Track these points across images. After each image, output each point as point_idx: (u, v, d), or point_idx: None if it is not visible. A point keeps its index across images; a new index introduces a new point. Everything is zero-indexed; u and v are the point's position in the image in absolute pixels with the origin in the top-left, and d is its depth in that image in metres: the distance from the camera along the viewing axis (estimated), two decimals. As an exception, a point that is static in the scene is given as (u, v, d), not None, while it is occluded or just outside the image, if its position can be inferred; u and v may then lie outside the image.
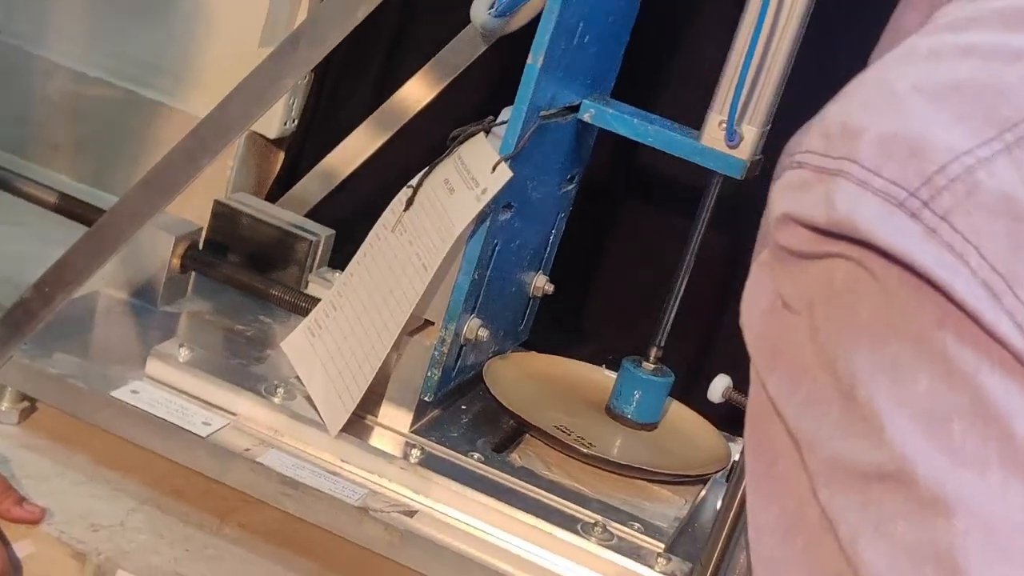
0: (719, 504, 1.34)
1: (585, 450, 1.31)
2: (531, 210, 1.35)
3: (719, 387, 1.41)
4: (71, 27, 1.84)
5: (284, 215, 1.57)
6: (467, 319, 1.29)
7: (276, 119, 1.73)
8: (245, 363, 1.34)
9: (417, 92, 1.63)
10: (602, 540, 1.20)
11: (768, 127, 1.28)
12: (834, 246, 0.64)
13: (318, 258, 1.55)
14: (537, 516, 1.21)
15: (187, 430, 1.23)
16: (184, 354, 1.28)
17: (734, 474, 1.13)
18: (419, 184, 1.28)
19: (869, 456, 0.66)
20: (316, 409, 1.26)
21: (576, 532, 1.20)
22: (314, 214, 1.66)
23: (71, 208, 1.49)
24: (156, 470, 1.25)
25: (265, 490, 1.21)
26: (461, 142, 1.27)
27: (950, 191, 0.60)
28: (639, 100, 1.37)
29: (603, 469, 1.32)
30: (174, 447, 1.23)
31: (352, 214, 1.66)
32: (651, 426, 1.39)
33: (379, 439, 1.27)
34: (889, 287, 0.63)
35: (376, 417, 1.29)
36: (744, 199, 1.33)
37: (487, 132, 1.27)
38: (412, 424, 1.29)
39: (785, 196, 0.66)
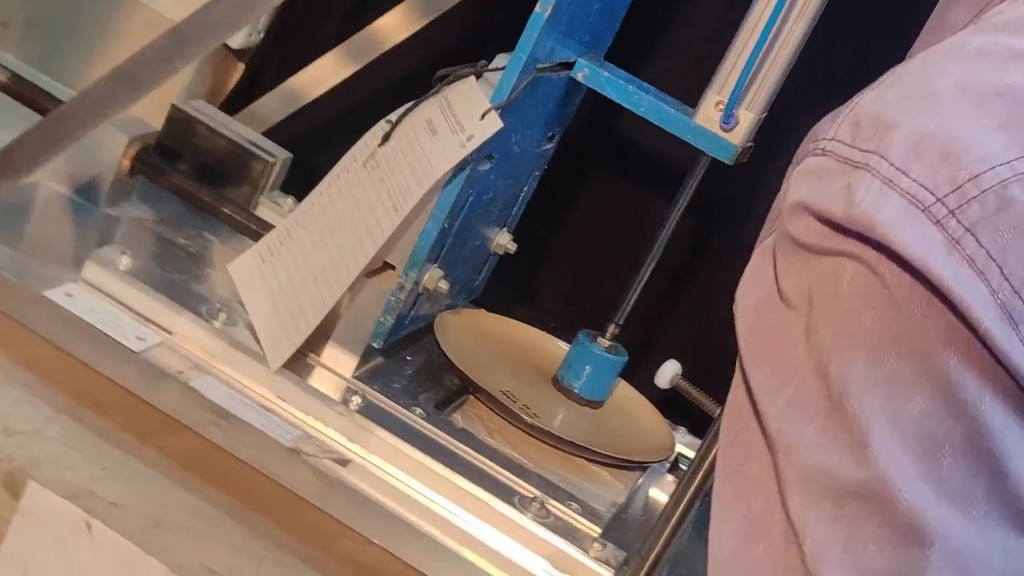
0: (656, 493, 1.31)
1: (529, 420, 1.26)
2: (509, 164, 1.29)
3: (668, 373, 1.37)
4: None
5: (242, 130, 1.50)
6: (429, 268, 1.23)
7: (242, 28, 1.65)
8: (186, 280, 1.27)
9: (396, 24, 1.56)
10: (538, 516, 1.15)
11: (764, 115, 1.23)
12: (846, 244, 0.61)
13: (272, 180, 1.48)
14: (474, 483, 1.15)
15: (119, 343, 1.16)
16: (125, 262, 1.21)
17: (690, 467, 1.08)
18: (399, 120, 1.21)
19: (849, 472, 0.63)
20: (257, 340, 1.20)
21: (513, 505, 1.15)
22: (271, 134, 1.58)
23: (21, 90, 1.40)
24: (78, 379, 1.17)
25: (193, 416, 1.15)
26: (449, 83, 1.21)
27: (980, 202, 0.57)
28: (625, 64, 1.32)
29: (545, 442, 1.27)
30: (103, 359, 1.16)
31: (311, 140, 1.59)
32: (597, 404, 1.35)
33: (319, 380, 1.20)
34: (898, 296, 0.60)
35: (319, 357, 1.23)
36: (724, 185, 1.29)
37: (478, 76, 1.21)
38: (355, 369, 1.23)
39: (803, 183, 0.63)
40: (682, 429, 1.43)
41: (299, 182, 1.52)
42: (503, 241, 1.38)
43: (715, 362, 0.95)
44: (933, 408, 0.61)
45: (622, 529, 1.21)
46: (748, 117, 1.21)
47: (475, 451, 1.20)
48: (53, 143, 1.10)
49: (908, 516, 0.62)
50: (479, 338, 1.37)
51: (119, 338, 1.16)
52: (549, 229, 1.58)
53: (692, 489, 1.06)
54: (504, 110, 1.17)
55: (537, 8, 1.15)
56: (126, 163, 1.34)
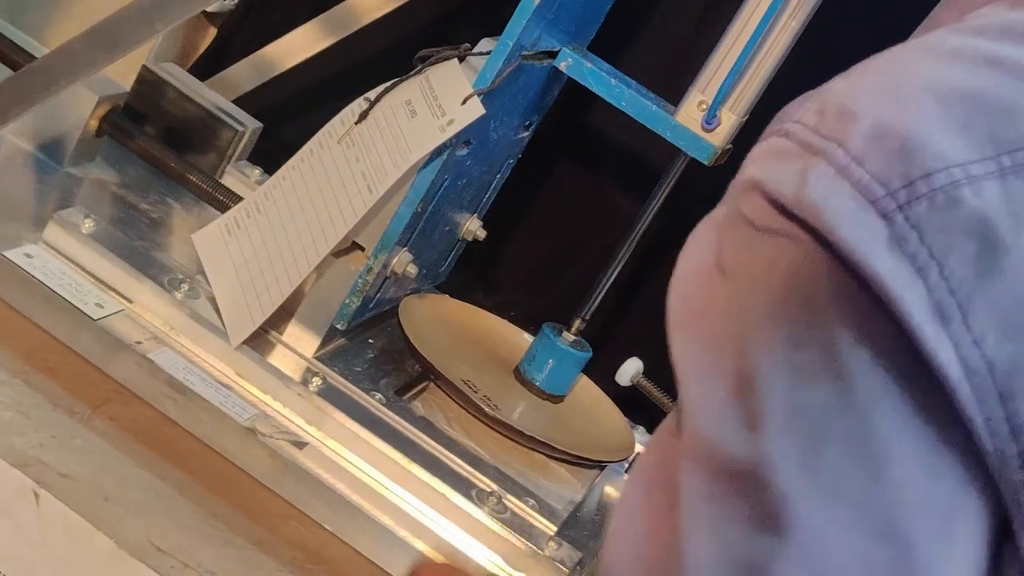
0: (613, 492, 1.30)
1: (490, 412, 1.24)
2: (486, 151, 1.27)
3: (629, 371, 1.36)
4: None
5: (213, 97, 1.47)
6: (399, 252, 1.21)
7: (217, -8, 1.62)
8: (148, 247, 1.24)
9: (375, 0, 1.54)
10: (495, 511, 1.13)
11: (746, 118, 1.21)
12: (791, 228, 0.61)
13: (240, 149, 1.46)
14: (432, 473, 1.13)
15: (78, 308, 1.13)
16: (88, 225, 1.18)
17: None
18: (377, 99, 1.19)
19: (737, 448, 0.64)
20: (219, 314, 1.17)
21: (470, 498, 1.13)
22: (241, 102, 1.55)
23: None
24: (31, 342, 1.14)
25: (149, 388, 1.12)
26: (431, 64, 1.18)
27: (929, 201, 0.58)
28: (604, 55, 1.30)
29: (505, 435, 1.25)
30: (60, 324, 1.13)
31: (281, 112, 1.56)
32: (558, 398, 1.33)
33: (280, 359, 1.18)
34: (829, 288, 0.60)
35: (280, 335, 1.20)
36: (696, 183, 1.27)
37: (461, 60, 1.18)
38: (317, 350, 1.20)
39: (760, 162, 0.63)
40: (640, 428, 1.42)
41: (266, 153, 1.50)
42: (473, 227, 1.36)
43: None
44: (833, 401, 0.61)
45: (578, 528, 1.20)
46: (730, 119, 1.20)
47: (434, 440, 1.18)
48: (23, 99, 1.08)
49: (777, 501, 0.62)
50: (443, 325, 1.35)
51: (78, 304, 1.13)
52: (516, 217, 1.56)
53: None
54: (485, 96, 1.14)
55: (528, -6, 1.13)
56: (93, 123, 1.31)
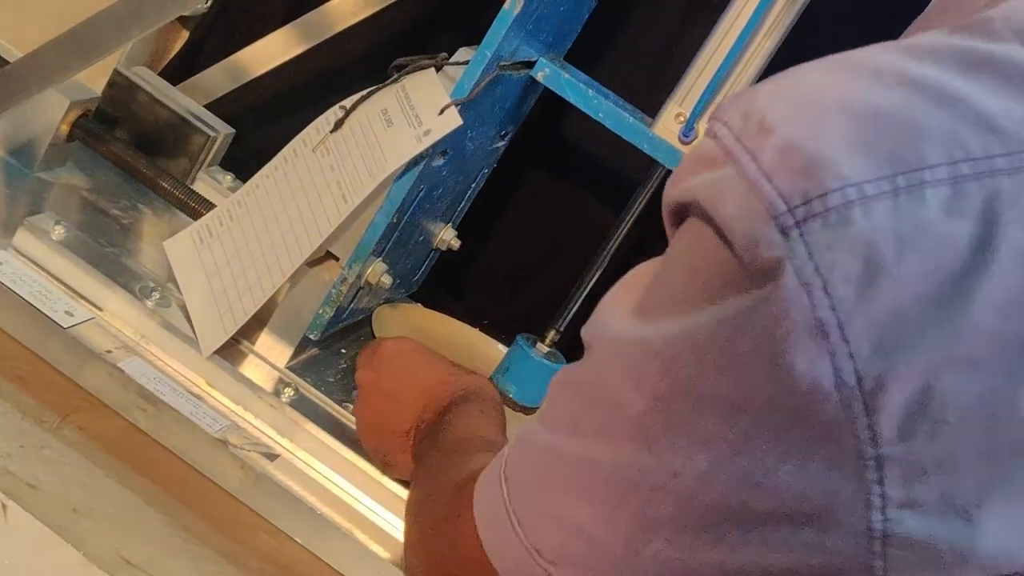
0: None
1: (463, 424, 1.23)
2: (462, 160, 1.26)
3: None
4: None
5: (185, 102, 1.45)
6: (373, 262, 1.20)
7: (190, -5, 1.61)
8: (119, 254, 1.23)
9: (350, 6, 1.52)
10: (468, 527, 1.12)
11: (724, 130, 1.21)
12: (704, 228, 0.65)
13: (212, 155, 1.44)
14: (404, 486, 1.12)
15: (48, 316, 1.11)
16: (58, 232, 1.17)
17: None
18: (353, 107, 1.18)
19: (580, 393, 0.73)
20: (191, 323, 1.15)
21: (442, 512, 1.12)
22: (212, 107, 1.54)
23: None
24: (1, 351, 1.12)
25: (119, 399, 1.10)
26: (408, 73, 1.17)
27: (823, 219, 0.61)
28: (580, 64, 1.29)
29: (478, 448, 1.24)
30: (29, 332, 1.11)
31: (253, 117, 1.55)
32: (531, 410, 1.32)
33: (252, 369, 1.17)
34: (727, 283, 0.64)
35: (252, 344, 1.19)
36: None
37: (438, 69, 1.17)
38: (289, 360, 1.19)
39: (689, 163, 0.67)
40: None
41: (238, 158, 1.49)
42: (447, 237, 1.35)
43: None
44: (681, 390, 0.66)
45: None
46: (708, 132, 1.19)
47: (407, 453, 1.16)
48: (-6, 104, 1.06)
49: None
50: (416, 334, 1.33)
51: (48, 312, 1.12)
52: (489, 226, 1.55)
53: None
54: (463, 106, 1.13)
55: (506, 5, 1.12)
56: (64, 128, 1.30)
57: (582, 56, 1.36)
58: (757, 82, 1.19)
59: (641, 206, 1.27)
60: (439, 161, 1.19)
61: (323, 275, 1.19)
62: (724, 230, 0.63)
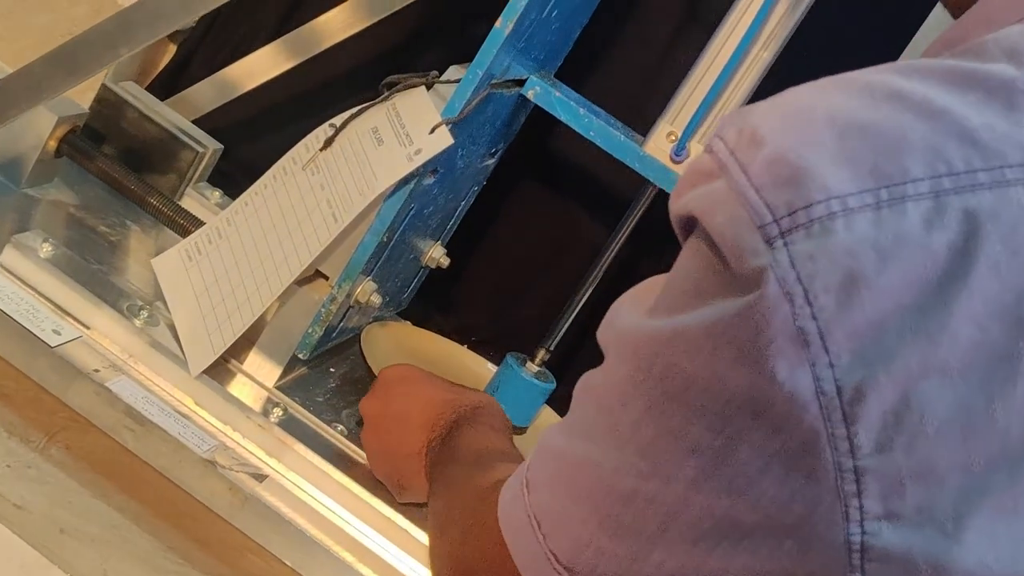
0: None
1: (453, 444, 1.22)
2: (452, 178, 1.25)
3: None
4: None
5: (173, 117, 1.44)
6: (363, 281, 1.19)
7: (178, 11, 1.60)
8: (106, 272, 1.22)
9: (339, 22, 1.52)
10: (458, 547, 1.11)
11: (715, 150, 1.20)
12: (699, 243, 0.67)
13: (200, 171, 1.43)
14: (394, 508, 1.11)
15: (35, 335, 1.10)
16: (46, 250, 1.16)
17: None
18: (343, 125, 1.17)
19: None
20: (179, 342, 1.15)
21: (432, 534, 1.11)
22: (200, 122, 1.53)
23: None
24: (-13, 369, 1.12)
25: (106, 418, 1.09)
26: (398, 91, 1.17)
27: (807, 230, 0.62)
28: (569, 81, 1.29)
29: (467, 468, 1.23)
30: (16, 350, 1.10)
31: (241, 133, 1.54)
32: (520, 430, 1.31)
33: (240, 389, 1.16)
34: (720, 292, 0.65)
35: (241, 364, 1.18)
36: (661, 213, 1.26)
37: (429, 87, 1.17)
38: (278, 379, 1.18)
39: (688, 176, 0.69)
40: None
41: (226, 174, 1.48)
42: (436, 255, 1.34)
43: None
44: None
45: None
46: (700, 150, 1.18)
47: (396, 474, 1.15)
48: (-18, 122, 1.05)
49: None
50: (405, 354, 1.33)
51: (35, 330, 1.11)
52: (478, 244, 1.54)
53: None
54: (454, 125, 1.13)
55: (498, 24, 1.11)
56: (52, 144, 1.29)
57: (573, 73, 1.36)
58: (750, 102, 1.19)
59: (632, 224, 1.27)
60: (430, 180, 1.18)
61: (312, 294, 1.18)
62: (715, 240, 0.65)
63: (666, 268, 0.74)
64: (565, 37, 1.31)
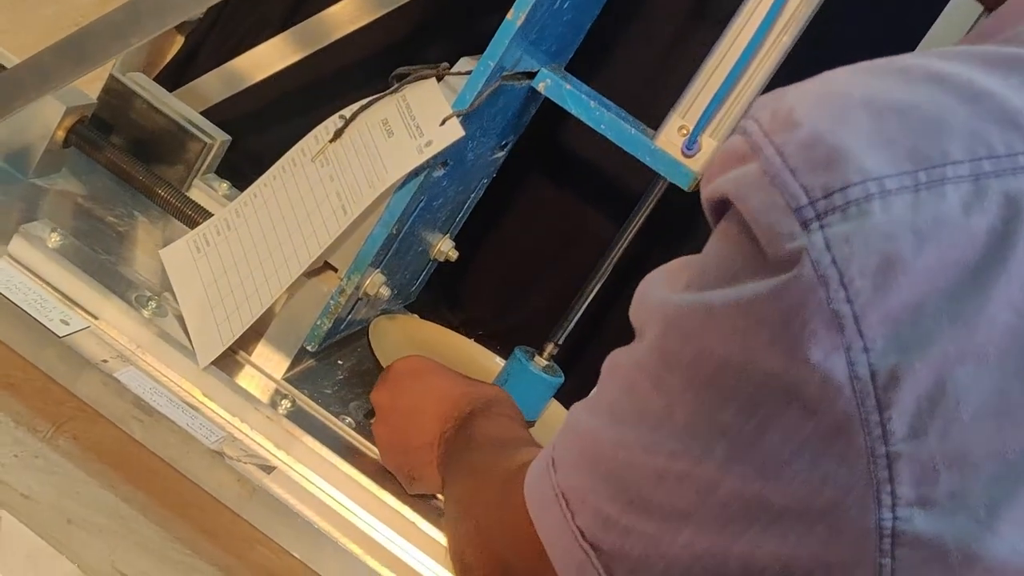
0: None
1: (460, 437, 1.21)
2: (462, 171, 1.25)
3: (600, 396, 1.33)
4: None
5: (181, 108, 1.44)
6: (372, 273, 1.19)
7: (187, 1, 1.59)
8: (115, 262, 1.21)
9: (348, 14, 1.51)
10: (465, 540, 1.10)
11: (726, 143, 1.20)
12: (731, 225, 0.67)
13: (208, 162, 1.43)
14: (401, 500, 1.11)
15: (43, 325, 1.10)
16: (55, 239, 1.15)
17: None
18: (353, 117, 1.16)
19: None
20: (187, 334, 1.14)
21: (440, 526, 1.10)
22: (208, 114, 1.53)
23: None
24: (-6, 358, 1.11)
25: (114, 409, 1.09)
26: (408, 83, 1.16)
27: (843, 212, 0.62)
28: (579, 74, 1.29)
29: (475, 462, 1.22)
30: (24, 340, 1.10)
31: (249, 124, 1.54)
32: (528, 424, 1.30)
33: (249, 381, 1.16)
34: (753, 274, 0.65)
35: (249, 355, 1.18)
36: (671, 207, 1.26)
37: (439, 79, 1.16)
38: (286, 371, 1.18)
39: (720, 159, 0.68)
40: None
41: (234, 166, 1.47)
42: (445, 248, 1.34)
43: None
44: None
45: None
46: (711, 144, 1.18)
47: (404, 466, 1.15)
48: (-10, 111, 1.04)
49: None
50: (413, 346, 1.32)
51: (43, 320, 1.10)
52: (487, 237, 1.54)
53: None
54: (464, 116, 1.12)
55: (509, 15, 1.11)
56: (60, 134, 1.28)
57: (584, 66, 1.35)
58: (762, 95, 1.18)
59: (643, 219, 1.26)
60: (439, 172, 1.18)
61: (321, 286, 1.18)
62: (749, 223, 0.64)
63: (664, 255, 0.74)
64: (576, 30, 1.31)
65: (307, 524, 1.08)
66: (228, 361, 1.15)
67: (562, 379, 1.31)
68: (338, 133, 1.16)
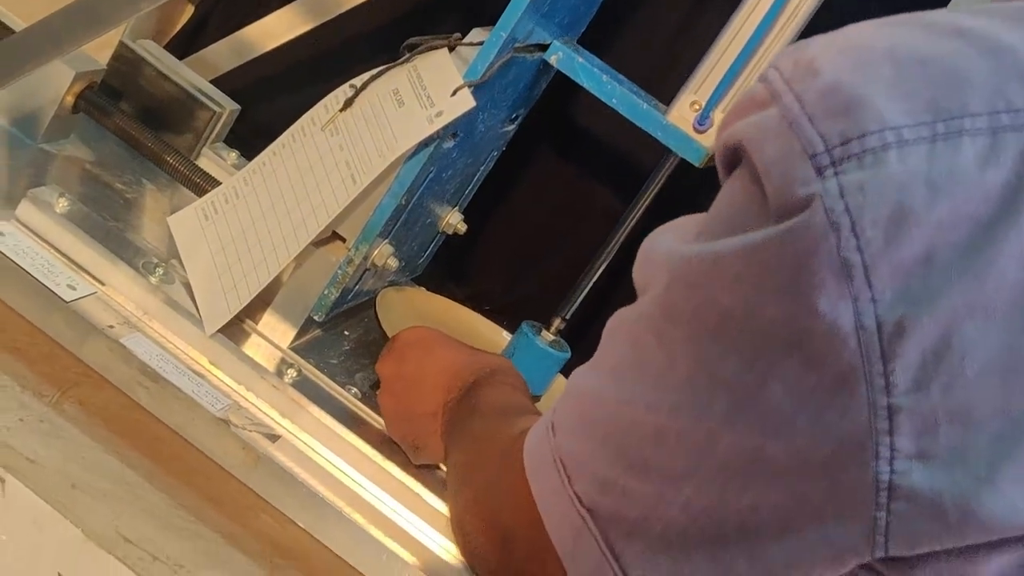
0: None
1: (466, 410, 1.21)
2: (472, 143, 1.24)
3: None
4: None
5: (191, 76, 1.43)
6: (380, 244, 1.18)
7: (194, -32, 1.59)
8: (123, 229, 1.21)
9: (361, -17, 1.51)
10: (469, 512, 1.10)
11: (738, 120, 1.19)
12: (744, 173, 0.67)
13: (216, 131, 1.42)
14: (406, 471, 1.11)
15: (50, 290, 1.10)
16: (63, 204, 1.15)
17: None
18: (364, 86, 1.16)
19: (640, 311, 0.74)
20: (194, 301, 1.14)
21: (444, 498, 1.10)
22: (217, 83, 1.52)
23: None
24: (1, 322, 1.11)
25: (120, 374, 1.09)
26: (420, 53, 1.16)
27: (859, 160, 0.62)
28: (591, 47, 1.28)
29: (480, 434, 1.22)
30: (31, 305, 1.09)
31: (258, 93, 1.53)
32: (534, 399, 1.30)
33: (255, 349, 1.15)
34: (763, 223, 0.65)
35: (256, 324, 1.18)
36: (681, 183, 1.26)
37: (451, 49, 1.16)
38: (293, 340, 1.18)
39: (739, 104, 0.69)
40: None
41: (243, 135, 1.47)
42: (453, 221, 1.34)
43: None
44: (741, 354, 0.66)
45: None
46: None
47: (409, 437, 1.15)
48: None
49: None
50: (420, 318, 1.32)
51: (50, 285, 1.10)
52: (495, 211, 1.54)
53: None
54: (475, 88, 1.12)
55: (522, -14, 1.10)
56: (69, 99, 1.28)
57: (596, 40, 1.35)
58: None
59: (653, 194, 1.26)
60: (449, 143, 1.17)
61: (329, 256, 1.18)
62: (763, 170, 0.64)
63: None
64: (589, 3, 1.30)
65: (311, 493, 1.08)
66: (235, 329, 1.15)
67: (569, 354, 1.31)
68: (348, 102, 1.16)
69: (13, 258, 1.10)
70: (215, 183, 1.25)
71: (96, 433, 1.06)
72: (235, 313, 1.12)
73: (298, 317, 1.18)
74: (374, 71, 1.17)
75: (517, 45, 1.15)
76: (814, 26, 1.14)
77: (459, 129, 1.17)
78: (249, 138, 1.45)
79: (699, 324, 0.67)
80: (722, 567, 0.69)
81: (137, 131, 1.32)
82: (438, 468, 1.13)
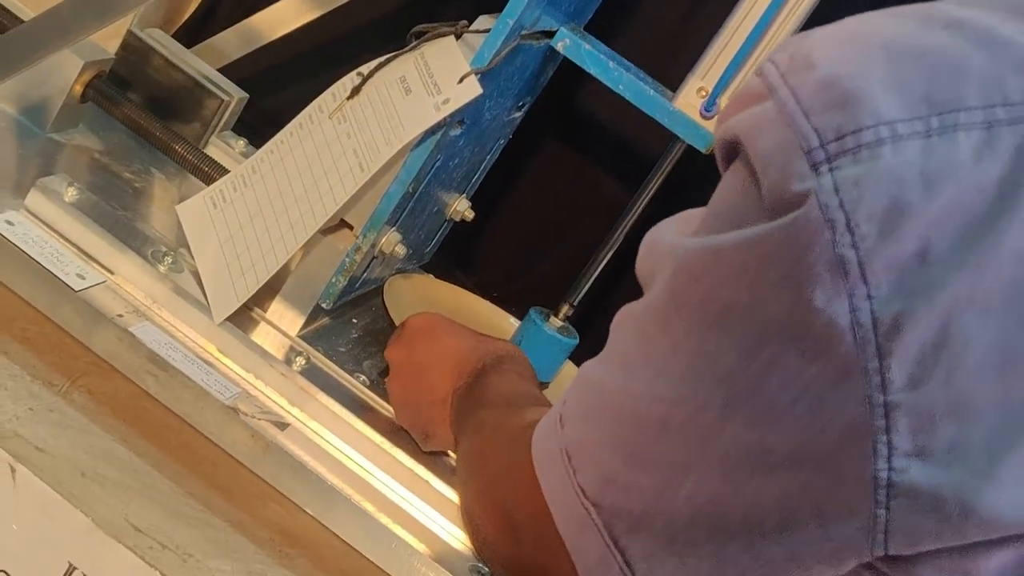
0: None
1: (474, 397, 1.21)
2: (479, 130, 1.24)
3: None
4: None
5: (199, 65, 1.43)
6: (387, 231, 1.18)
7: (202, -45, 1.59)
8: (131, 218, 1.21)
9: (368, -29, 1.51)
10: (479, 501, 1.11)
11: (745, 106, 1.19)
12: (739, 166, 0.67)
13: (224, 120, 1.42)
14: (415, 458, 1.11)
15: (59, 279, 1.10)
16: (71, 194, 1.15)
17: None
18: (371, 74, 1.16)
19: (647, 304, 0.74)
20: (203, 289, 1.14)
21: (452, 485, 1.10)
22: (225, 71, 1.52)
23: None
24: (9, 311, 1.10)
25: (129, 363, 1.09)
26: (427, 41, 1.15)
27: (854, 155, 0.62)
28: (597, 34, 1.28)
29: (489, 422, 1.22)
30: (40, 294, 1.10)
31: (266, 82, 1.54)
32: (543, 385, 1.30)
33: (263, 337, 1.15)
34: (758, 217, 0.65)
35: (264, 312, 1.18)
36: (687, 170, 1.25)
37: (458, 37, 1.16)
38: (301, 328, 1.18)
39: (737, 99, 0.69)
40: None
41: (251, 123, 1.47)
42: (461, 208, 1.34)
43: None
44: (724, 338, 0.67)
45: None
46: (729, 107, 1.17)
47: (417, 425, 1.15)
48: (8, 64, 1.04)
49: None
50: (428, 306, 1.32)
51: (59, 274, 1.10)
52: (503, 198, 1.54)
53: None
54: (482, 75, 1.12)
55: (529, -26, 1.10)
56: (78, 88, 1.28)
57: (603, 27, 1.35)
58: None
59: (659, 181, 1.26)
60: (456, 131, 1.17)
61: (337, 244, 1.18)
62: (758, 164, 0.64)
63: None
64: (596, -10, 1.30)
65: (320, 481, 1.08)
66: (243, 317, 1.15)
67: (577, 341, 1.31)
68: (356, 90, 1.16)
69: (22, 247, 1.10)
70: (223, 171, 1.25)
71: (105, 422, 1.06)
72: (243, 301, 1.12)
73: (306, 305, 1.18)
74: (381, 59, 1.17)
75: (524, 32, 1.15)
76: (821, 10, 1.14)
77: (466, 116, 1.17)
78: (257, 126, 1.45)
79: (701, 316, 0.67)
80: (725, 561, 0.69)
81: (145, 120, 1.32)
82: (447, 455, 1.13)
